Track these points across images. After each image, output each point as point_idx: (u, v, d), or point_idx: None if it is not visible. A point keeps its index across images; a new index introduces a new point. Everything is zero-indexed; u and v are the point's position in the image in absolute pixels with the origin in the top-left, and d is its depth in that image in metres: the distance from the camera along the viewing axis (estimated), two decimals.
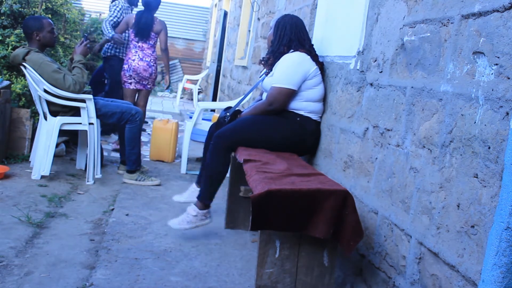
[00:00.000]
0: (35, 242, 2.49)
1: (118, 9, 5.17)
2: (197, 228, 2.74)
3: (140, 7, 5.21)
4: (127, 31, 5.08)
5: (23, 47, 3.61)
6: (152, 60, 4.85)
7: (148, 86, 4.95)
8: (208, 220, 2.76)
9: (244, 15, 7.09)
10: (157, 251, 2.52)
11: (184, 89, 10.79)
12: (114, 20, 5.12)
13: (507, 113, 1.30)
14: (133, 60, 4.79)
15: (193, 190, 3.16)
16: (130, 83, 4.87)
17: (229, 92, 7.43)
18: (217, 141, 2.70)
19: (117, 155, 4.63)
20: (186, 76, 10.65)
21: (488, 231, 1.31)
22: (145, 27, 4.80)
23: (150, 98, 6.45)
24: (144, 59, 4.79)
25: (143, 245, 2.59)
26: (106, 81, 5.37)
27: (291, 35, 2.89)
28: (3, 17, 4.30)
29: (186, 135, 4.41)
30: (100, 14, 12.17)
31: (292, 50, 2.87)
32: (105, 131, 5.56)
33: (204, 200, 2.71)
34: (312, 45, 2.95)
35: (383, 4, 2.20)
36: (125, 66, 4.85)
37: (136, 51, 4.82)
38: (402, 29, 1.98)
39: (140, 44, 4.82)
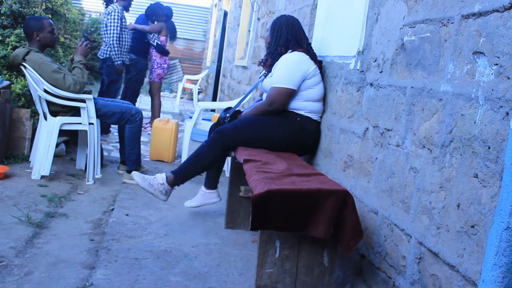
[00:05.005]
0: (35, 242, 2.49)
1: (118, 17, 5.23)
2: (150, 195, 2.80)
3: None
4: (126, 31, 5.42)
5: (23, 47, 3.61)
6: None
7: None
8: (164, 197, 2.78)
9: (244, 15, 7.09)
10: (157, 251, 2.52)
11: (184, 89, 10.79)
12: (117, 31, 5.22)
13: (507, 113, 1.30)
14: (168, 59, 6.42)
15: (203, 193, 3.16)
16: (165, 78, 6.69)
17: (229, 92, 7.43)
18: (217, 137, 2.70)
19: (117, 155, 4.64)
20: (186, 76, 10.64)
21: (488, 231, 1.31)
22: (175, 32, 6.59)
23: (150, 98, 6.80)
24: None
25: (143, 245, 2.59)
26: (105, 81, 5.44)
27: (287, 35, 2.89)
28: (3, 17, 4.30)
29: (186, 135, 4.42)
30: (100, 14, 12.16)
31: (290, 50, 2.87)
32: (103, 130, 5.62)
33: (177, 179, 2.75)
34: (310, 44, 2.96)
35: (383, 4, 2.20)
36: (165, 66, 6.29)
37: None
38: (402, 29, 1.98)
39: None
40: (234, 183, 2.95)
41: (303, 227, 1.88)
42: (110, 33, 5.21)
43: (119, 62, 5.35)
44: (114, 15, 5.20)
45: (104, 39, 5.38)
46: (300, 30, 2.94)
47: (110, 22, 5.21)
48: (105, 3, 5.47)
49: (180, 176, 2.77)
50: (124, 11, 5.43)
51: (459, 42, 1.58)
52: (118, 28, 5.22)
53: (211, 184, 3.14)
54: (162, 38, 6.37)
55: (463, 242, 1.44)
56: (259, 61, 3.06)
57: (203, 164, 2.77)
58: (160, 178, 2.76)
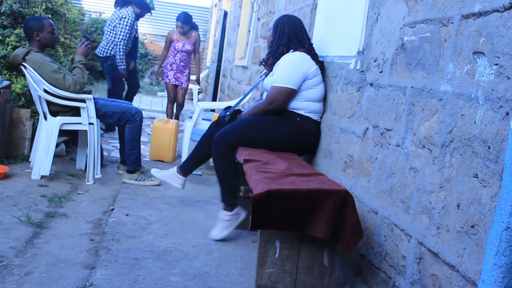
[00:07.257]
0: (35, 242, 2.49)
1: (130, 25, 5.27)
2: (236, 227, 2.83)
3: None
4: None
5: (23, 47, 3.61)
6: None
7: None
8: (242, 215, 2.86)
9: (244, 15, 7.09)
10: (157, 251, 2.52)
11: None
12: (126, 38, 5.26)
13: (507, 113, 1.30)
14: None
15: (172, 173, 3.20)
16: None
17: (229, 92, 7.43)
18: (218, 143, 2.71)
19: (117, 155, 4.64)
20: None
21: (488, 231, 1.31)
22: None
23: (150, 98, 6.77)
24: None
25: (143, 245, 2.59)
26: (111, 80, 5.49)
27: (289, 35, 2.89)
28: (3, 17, 4.30)
29: (186, 135, 4.42)
30: (100, 14, 12.18)
31: (292, 50, 2.87)
32: (108, 127, 5.67)
33: (229, 202, 2.79)
34: (312, 44, 2.95)
35: (383, 4, 2.20)
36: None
37: None
38: (402, 29, 1.98)
39: None
40: None
41: (303, 227, 1.88)
42: (119, 38, 5.28)
43: (122, 67, 5.42)
44: (127, 22, 5.29)
45: (108, 37, 5.41)
46: (303, 30, 2.94)
47: (122, 28, 5.29)
48: (117, 4, 5.49)
49: (229, 200, 2.82)
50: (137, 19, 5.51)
51: (459, 42, 1.58)
52: (127, 35, 5.29)
53: (184, 171, 3.18)
54: (188, 45, 6.20)
55: (463, 242, 1.44)
56: (261, 61, 3.06)
57: (226, 174, 2.77)
58: (224, 216, 2.82)
